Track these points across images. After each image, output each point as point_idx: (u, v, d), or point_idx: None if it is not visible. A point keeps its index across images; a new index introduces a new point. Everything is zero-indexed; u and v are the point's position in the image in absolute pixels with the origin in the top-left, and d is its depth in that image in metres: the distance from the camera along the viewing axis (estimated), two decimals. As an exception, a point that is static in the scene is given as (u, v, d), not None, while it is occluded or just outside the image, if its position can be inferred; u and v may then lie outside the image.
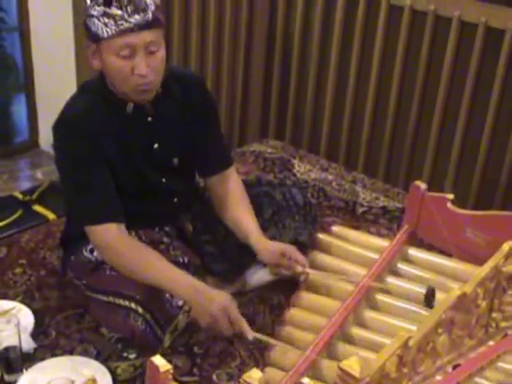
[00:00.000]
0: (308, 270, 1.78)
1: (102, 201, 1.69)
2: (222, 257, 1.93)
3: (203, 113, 1.85)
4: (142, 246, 1.71)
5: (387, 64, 2.64)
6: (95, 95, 1.72)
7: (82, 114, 1.68)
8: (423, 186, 1.91)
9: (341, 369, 1.00)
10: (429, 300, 1.63)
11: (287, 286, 1.91)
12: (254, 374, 1.18)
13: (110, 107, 1.71)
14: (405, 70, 2.60)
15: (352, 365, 1.00)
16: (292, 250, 1.78)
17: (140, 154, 1.76)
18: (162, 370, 1.18)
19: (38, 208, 2.57)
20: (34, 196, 2.61)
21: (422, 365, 1.13)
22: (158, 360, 1.19)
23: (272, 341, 1.60)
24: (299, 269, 1.77)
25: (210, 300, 1.58)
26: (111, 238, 1.67)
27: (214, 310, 1.57)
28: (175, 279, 1.64)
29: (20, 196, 2.63)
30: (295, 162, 2.78)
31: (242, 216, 1.86)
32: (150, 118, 1.75)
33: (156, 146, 1.78)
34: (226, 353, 1.73)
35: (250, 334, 1.58)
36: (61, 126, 1.69)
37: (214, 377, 1.66)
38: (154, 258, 1.67)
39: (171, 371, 1.20)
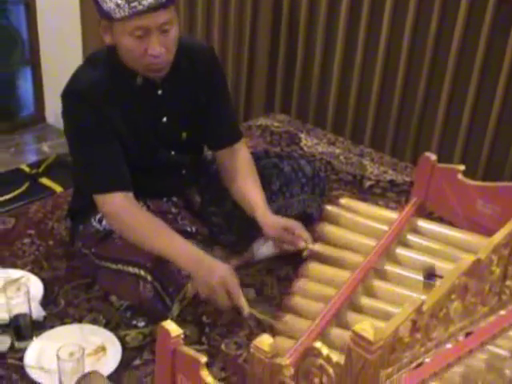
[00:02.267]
0: (311, 245, 1.77)
1: (109, 170, 1.68)
2: (229, 228, 1.93)
3: (212, 85, 1.83)
4: (148, 215, 1.70)
5: (396, 36, 2.61)
6: (103, 67, 1.70)
7: (90, 85, 1.67)
8: (433, 157, 1.89)
9: (354, 332, 1.00)
10: (429, 277, 1.64)
11: (295, 258, 1.90)
12: (265, 339, 1.17)
13: (118, 79, 1.69)
14: (414, 42, 2.57)
15: (366, 328, 0.99)
16: (295, 226, 1.77)
17: (148, 128, 1.76)
18: (173, 334, 1.18)
19: (44, 181, 2.57)
20: (41, 169, 2.61)
21: (434, 331, 1.12)
22: (169, 325, 1.19)
23: (268, 320, 1.62)
24: (302, 244, 1.76)
25: (211, 271, 1.59)
26: (118, 207, 1.66)
27: (213, 281, 1.57)
28: (179, 249, 1.63)
29: (27, 169, 2.64)
30: (302, 135, 2.77)
31: (249, 190, 1.84)
32: (159, 91, 1.74)
33: (164, 119, 1.77)
34: (234, 323, 1.73)
35: (246, 310, 1.59)
36: (69, 96, 1.68)
37: (223, 346, 1.66)
38: (159, 227, 1.66)
39: (182, 336, 1.19)
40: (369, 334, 0.99)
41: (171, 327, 1.19)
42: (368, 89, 2.76)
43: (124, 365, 1.57)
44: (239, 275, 1.67)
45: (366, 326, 1.01)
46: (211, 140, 1.91)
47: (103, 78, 1.68)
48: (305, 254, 1.79)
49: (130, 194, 1.68)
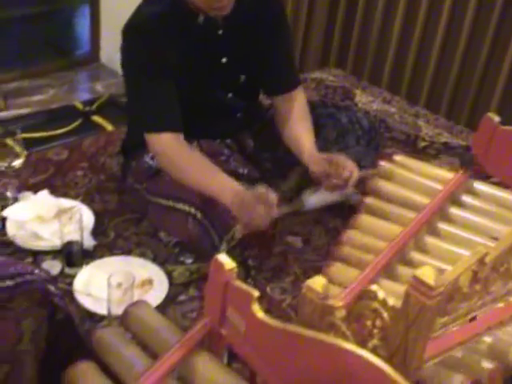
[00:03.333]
0: (357, 173, 1.72)
1: (161, 108, 1.67)
2: (280, 175, 1.92)
3: (274, 29, 1.81)
4: (196, 154, 1.69)
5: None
6: (166, 3, 1.68)
7: (150, 20, 1.65)
8: (496, 118, 1.83)
9: (415, 277, 0.98)
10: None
11: (345, 211, 1.89)
12: (318, 280, 1.16)
13: (179, 17, 1.67)
14: (480, 2, 2.49)
15: (427, 273, 0.98)
16: (339, 157, 1.72)
17: (208, 67, 1.74)
18: (227, 267, 1.17)
19: (96, 119, 2.58)
20: (94, 107, 2.62)
21: (493, 285, 1.10)
22: (224, 258, 1.18)
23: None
24: (346, 174, 1.70)
25: (245, 194, 1.55)
26: (166, 146, 1.66)
27: (248, 199, 1.53)
28: (221, 184, 1.61)
29: (80, 106, 2.64)
30: (357, 91, 2.72)
31: (299, 133, 1.82)
32: (220, 31, 1.71)
33: (224, 60, 1.75)
34: (280, 268, 1.74)
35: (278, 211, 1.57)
36: (128, 31, 1.67)
37: (268, 289, 1.67)
38: (205, 165, 1.65)
39: (235, 270, 1.19)
40: (430, 279, 0.98)
41: (225, 260, 1.18)
42: (428, 48, 2.68)
43: (169, 299, 1.59)
44: (288, 223, 1.65)
45: (427, 271, 0.99)
46: (269, 85, 1.89)
47: (164, 14, 1.66)
48: (349, 189, 1.75)
49: (180, 135, 1.67)
